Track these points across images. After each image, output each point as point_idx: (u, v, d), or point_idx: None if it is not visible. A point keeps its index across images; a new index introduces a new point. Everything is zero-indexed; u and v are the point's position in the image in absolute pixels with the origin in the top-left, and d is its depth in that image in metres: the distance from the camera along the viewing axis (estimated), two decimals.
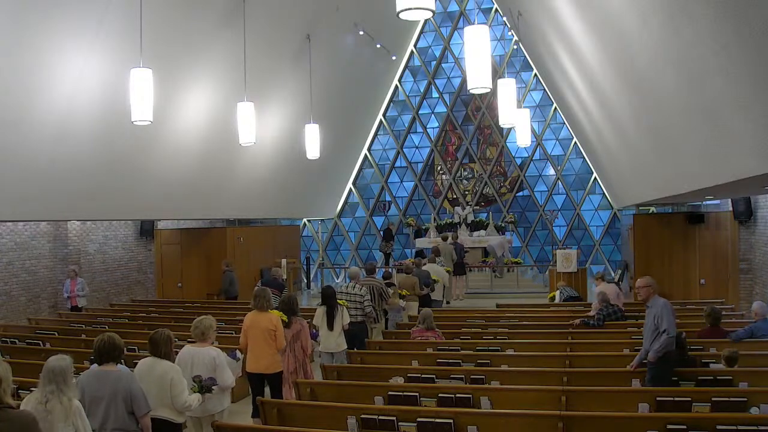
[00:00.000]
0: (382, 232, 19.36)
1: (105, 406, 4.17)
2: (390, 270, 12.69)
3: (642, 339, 6.28)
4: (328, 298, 7.59)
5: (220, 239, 15.74)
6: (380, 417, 5.15)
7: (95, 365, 4.46)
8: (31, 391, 4.00)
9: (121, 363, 4.46)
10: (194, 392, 4.81)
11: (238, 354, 5.92)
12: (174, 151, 11.07)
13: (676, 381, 6.03)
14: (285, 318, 6.65)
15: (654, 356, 5.87)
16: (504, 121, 9.30)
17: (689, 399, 5.35)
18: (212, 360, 5.15)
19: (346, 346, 7.72)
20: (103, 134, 9.31)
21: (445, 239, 14.84)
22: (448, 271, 13.06)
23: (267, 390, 6.62)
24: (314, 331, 7.49)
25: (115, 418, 4.18)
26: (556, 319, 9.96)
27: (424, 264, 11.79)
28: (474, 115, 20.11)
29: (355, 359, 7.55)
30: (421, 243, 18.41)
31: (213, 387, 4.98)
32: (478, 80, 5.83)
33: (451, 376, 6.50)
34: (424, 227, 19.38)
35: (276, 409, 5.53)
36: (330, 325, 7.56)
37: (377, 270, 10.78)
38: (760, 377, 5.95)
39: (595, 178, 18.64)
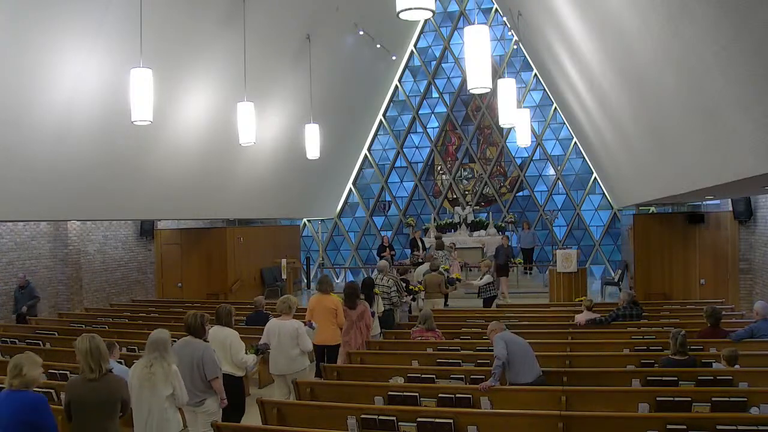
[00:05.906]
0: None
1: (188, 369, 5.15)
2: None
3: None
4: (367, 287, 8.65)
5: (220, 239, 15.75)
6: (380, 417, 5.15)
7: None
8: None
9: (205, 340, 5.48)
10: (250, 353, 6.07)
11: (314, 323, 7.02)
12: (174, 151, 11.07)
13: (676, 381, 6.02)
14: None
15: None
16: (504, 121, 9.30)
17: (689, 399, 5.35)
18: (295, 330, 6.44)
19: (380, 329, 8.90)
20: (103, 134, 9.32)
21: (438, 239, 14.71)
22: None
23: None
24: (373, 311, 8.48)
25: (192, 380, 5.16)
26: (556, 319, 9.96)
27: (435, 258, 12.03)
28: (474, 115, 20.10)
29: (355, 359, 7.56)
30: None
31: (267, 350, 6.38)
32: (478, 80, 5.84)
33: (451, 376, 6.51)
34: (425, 226, 19.37)
35: (276, 409, 5.54)
36: None
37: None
38: (760, 377, 5.94)
39: (595, 178, 18.63)
